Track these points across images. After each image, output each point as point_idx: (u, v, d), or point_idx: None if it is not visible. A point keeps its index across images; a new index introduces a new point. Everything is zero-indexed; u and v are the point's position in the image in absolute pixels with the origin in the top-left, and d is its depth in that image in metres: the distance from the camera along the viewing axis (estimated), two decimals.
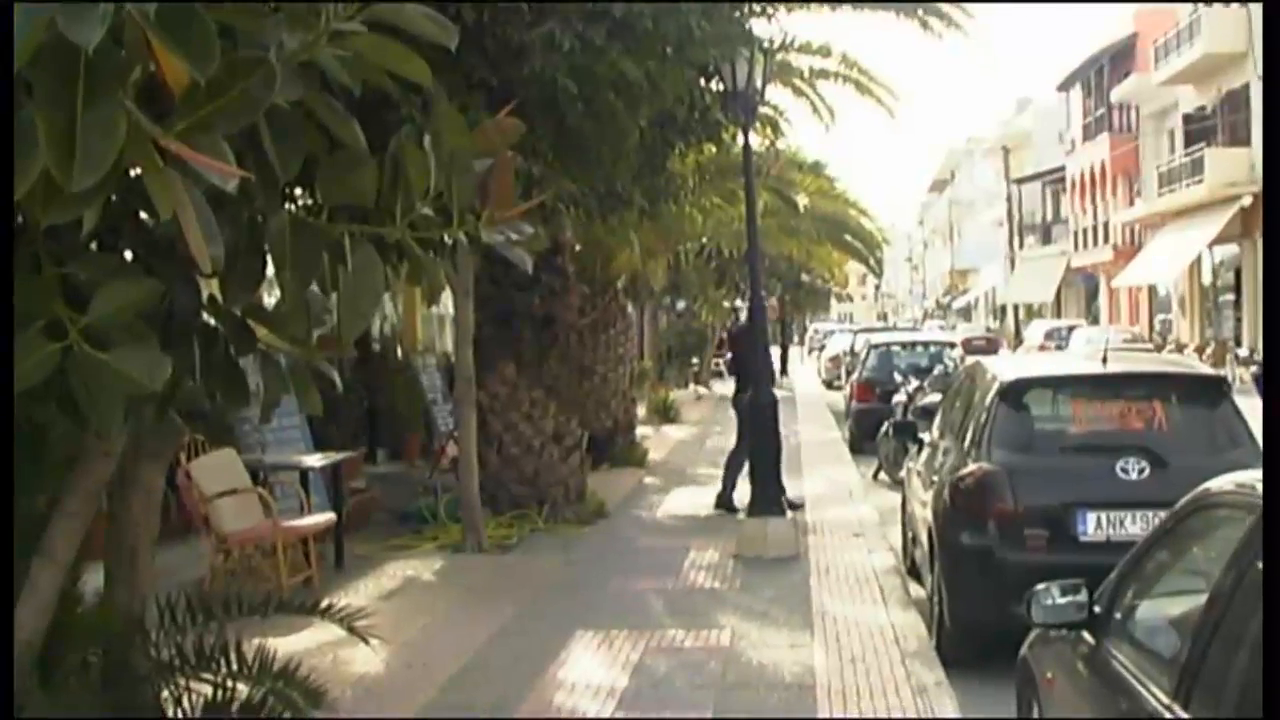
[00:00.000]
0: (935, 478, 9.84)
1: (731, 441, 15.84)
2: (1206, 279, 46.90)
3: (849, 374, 28.60)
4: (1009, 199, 74.65)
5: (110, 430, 3.94)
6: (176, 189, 2.92)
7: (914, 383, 20.79)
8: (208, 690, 5.89)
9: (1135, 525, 8.22)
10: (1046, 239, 69.19)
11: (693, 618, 9.88)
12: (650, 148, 11.76)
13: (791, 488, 14.60)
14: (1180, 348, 42.15)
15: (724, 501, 15.31)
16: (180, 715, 5.86)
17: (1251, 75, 38.64)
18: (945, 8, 13.45)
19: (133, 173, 3.12)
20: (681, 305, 38.43)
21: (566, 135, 9.26)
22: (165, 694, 5.85)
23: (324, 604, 6.76)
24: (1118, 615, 4.80)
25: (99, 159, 2.75)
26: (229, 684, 5.83)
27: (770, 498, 12.88)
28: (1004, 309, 76.66)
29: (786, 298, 46.35)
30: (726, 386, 40.45)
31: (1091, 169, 59.99)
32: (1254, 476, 3.84)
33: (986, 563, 8.61)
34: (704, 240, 22.82)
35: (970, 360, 13.27)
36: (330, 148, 3.51)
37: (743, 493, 14.33)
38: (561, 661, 8.84)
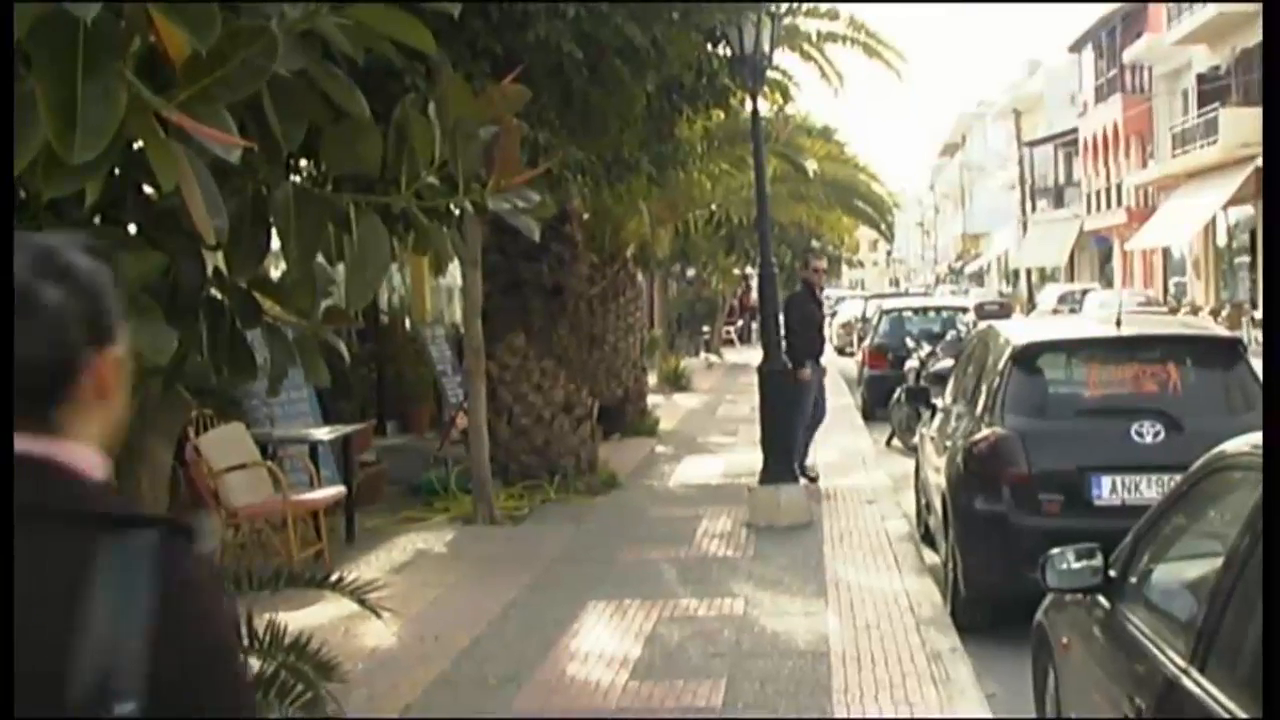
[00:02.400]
0: (948, 443, 9.81)
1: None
2: (1221, 241, 46.72)
3: (861, 340, 28.55)
4: (1020, 162, 74.36)
5: None
6: (179, 160, 2.89)
7: (926, 348, 20.75)
8: None
9: (1150, 489, 8.19)
10: (1059, 202, 68.96)
11: (706, 586, 9.88)
12: (657, 114, 11.70)
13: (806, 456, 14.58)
14: (1195, 310, 42.02)
15: (802, 470, 15.30)
16: None
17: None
18: None
19: (135, 145, 3.09)
20: (691, 273, 38.37)
21: (572, 102, 9.21)
22: None
23: (335, 577, 6.75)
24: (1133, 579, 4.77)
25: (100, 131, 2.72)
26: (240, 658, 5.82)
27: (784, 466, 12.86)
28: (1016, 273, 76.48)
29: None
30: (738, 354, 40.50)
31: (1104, 131, 59.73)
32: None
33: (1001, 528, 8.58)
34: (713, 207, 22.72)
35: (983, 325, 13.22)
36: (334, 117, 3.48)
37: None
38: (574, 632, 8.84)
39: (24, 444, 1.83)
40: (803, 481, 13.80)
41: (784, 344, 15.47)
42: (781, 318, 15.83)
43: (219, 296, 4.01)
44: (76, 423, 1.90)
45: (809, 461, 15.09)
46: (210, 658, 1.87)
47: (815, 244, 39.50)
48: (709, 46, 12.22)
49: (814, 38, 18.95)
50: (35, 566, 1.78)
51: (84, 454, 1.90)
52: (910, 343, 22.34)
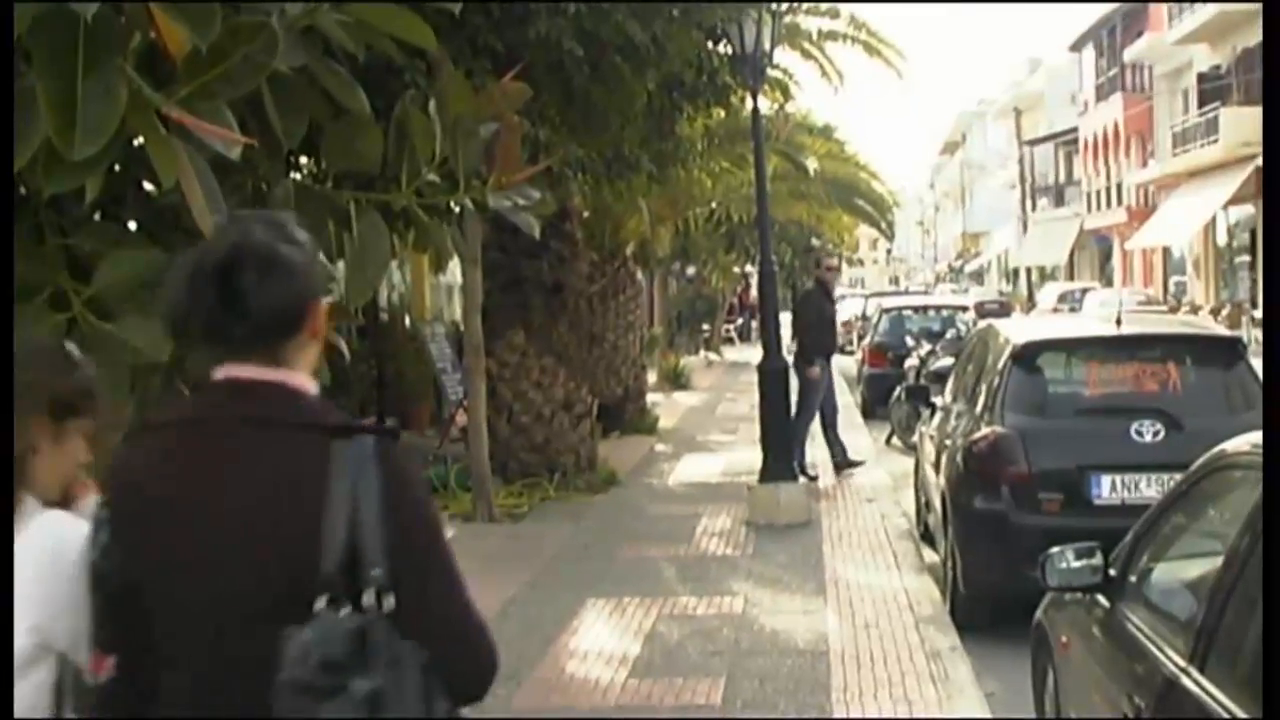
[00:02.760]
0: (948, 442, 9.80)
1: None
2: (1221, 240, 46.69)
3: (860, 338, 28.54)
4: (1021, 161, 74.33)
5: (116, 400, 3.93)
6: (179, 157, 2.89)
7: (926, 347, 20.73)
8: None
9: (1150, 488, 8.18)
10: (1059, 201, 68.93)
11: (705, 584, 9.87)
12: (658, 112, 11.69)
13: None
14: (1195, 310, 41.99)
15: (841, 461, 15.38)
16: None
17: None
18: None
19: (135, 141, 3.09)
20: (691, 271, 38.34)
21: (573, 99, 9.21)
22: None
23: None
24: (1133, 578, 4.77)
25: (100, 127, 2.72)
26: None
27: (783, 464, 12.86)
28: (1016, 272, 76.45)
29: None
30: (738, 352, 40.50)
31: (1105, 130, 59.70)
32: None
33: (1000, 527, 8.58)
34: (713, 205, 22.72)
35: (983, 323, 13.22)
36: (334, 114, 3.48)
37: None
38: (573, 630, 8.84)
39: (260, 373, 2.39)
40: (802, 479, 13.90)
41: (797, 340, 15.65)
42: (795, 315, 15.96)
43: None
44: (298, 356, 2.45)
45: (808, 460, 15.18)
46: (425, 532, 2.40)
47: (816, 242, 39.48)
48: (709, 44, 12.22)
49: (815, 36, 18.94)
50: (281, 465, 2.34)
51: (304, 379, 2.45)
52: (910, 341, 22.33)
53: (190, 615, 2.37)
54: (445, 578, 2.42)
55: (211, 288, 2.35)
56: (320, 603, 2.25)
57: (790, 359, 14.61)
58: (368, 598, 2.27)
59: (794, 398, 13.66)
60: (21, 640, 2.47)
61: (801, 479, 13.73)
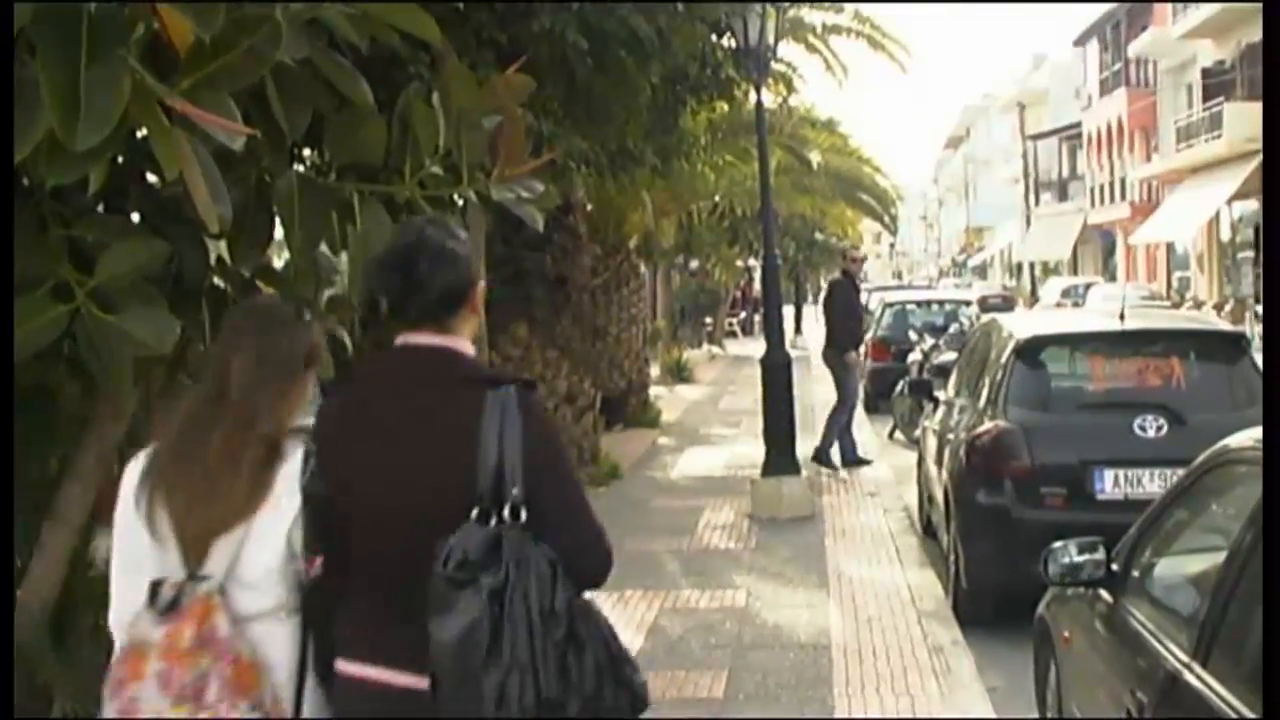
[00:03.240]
0: (951, 436, 9.80)
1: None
2: (1225, 235, 46.62)
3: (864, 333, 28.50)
4: (1025, 155, 74.25)
5: (120, 392, 3.92)
6: (183, 148, 2.89)
7: (929, 341, 20.71)
8: None
9: (1153, 483, 8.18)
10: (1063, 196, 68.86)
11: (708, 578, 9.87)
12: (662, 105, 11.68)
13: (805, 447, 14.55)
14: (1198, 305, 41.95)
15: (848, 458, 15.45)
16: None
17: None
18: None
19: (138, 132, 3.09)
20: (694, 264, 38.34)
21: (577, 92, 9.19)
22: None
23: None
24: (1136, 573, 4.76)
25: (103, 117, 2.72)
26: None
27: (785, 458, 12.85)
28: (1020, 267, 76.40)
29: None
30: (740, 346, 40.48)
31: (1108, 125, 59.63)
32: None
33: (1003, 521, 8.57)
34: (717, 199, 22.71)
35: (986, 318, 13.21)
36: (338, 106, 3.48)
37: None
38: None
39: (431, 339, 3.15)
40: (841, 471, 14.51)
41: (825, 331, 15.78)
42: (823, 306, 16.08)
43: (222, 285, 4.01)
44: (461, 327, 3.21)
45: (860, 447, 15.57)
46: (553, 459, 3.14)
47: (819, 236, 39.41)
48: (713, 38, 12.20)
49: (819, 30, 18.93)
50: (446, 409, 3.10)
51: (466, 345, 3.22)
52: (913, 335, 22.29)
53: (375, 524, 3.13)
54: (570, 494, 3.16)
55: (396, 276, 3.12)
56: (472, 515, 2.98)
57: (791, 350, 14.66)
58: (507, 511, 2.99)
59: (792, 391, 13.62)
60: (281, 544, 3.21)
61: (825, 471, 13.89)
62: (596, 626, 3.08)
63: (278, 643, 3.23)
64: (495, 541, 2.96)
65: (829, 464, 15.21)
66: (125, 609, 3.28)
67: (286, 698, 3.22)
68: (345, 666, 3.21)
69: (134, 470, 3.33)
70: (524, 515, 3.00)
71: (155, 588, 3.19)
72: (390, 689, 3.11)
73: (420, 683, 3.03)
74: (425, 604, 2.97)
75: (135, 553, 3.28)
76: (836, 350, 15.70)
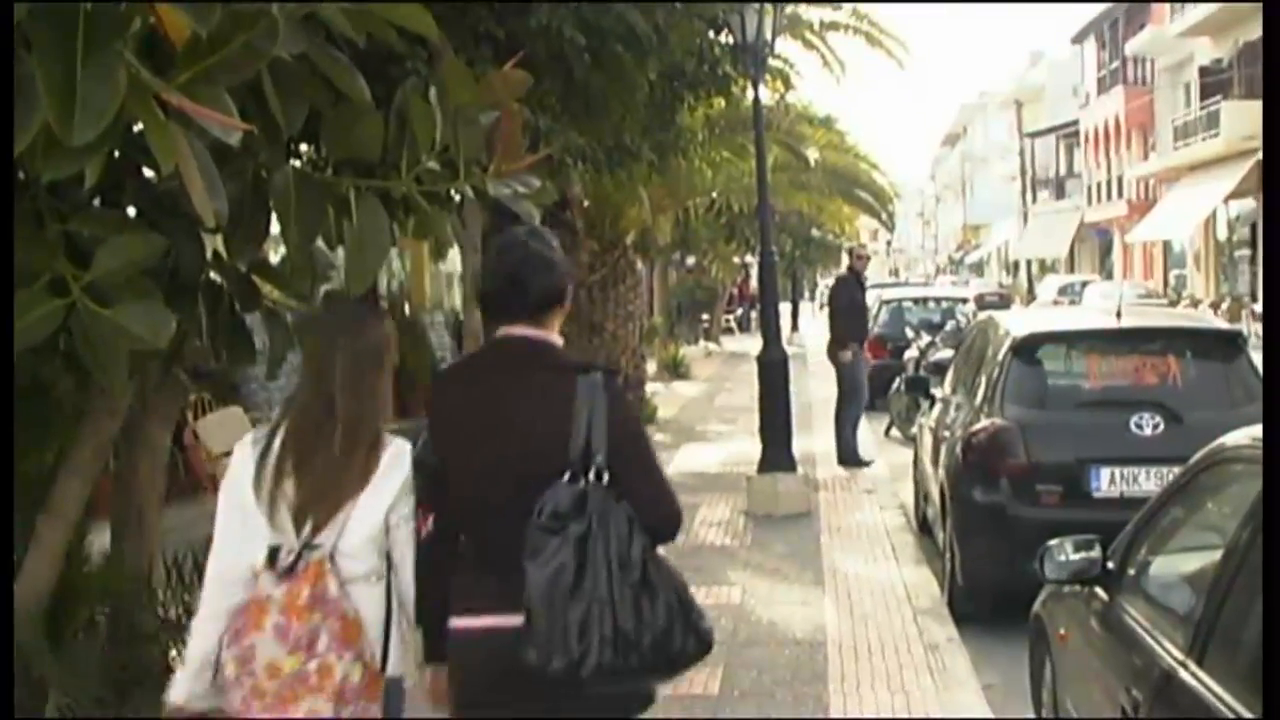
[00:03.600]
0: (947, 434, 9.80)
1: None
2: (1222, 234, 46.67)
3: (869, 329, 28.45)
4: (1022, 153, 74.28)
5: (115, 387, 3.91)
6: (179, 143, 2.88)
7: (926, 338, 20.71)
8: None
9: (1149, 481, 8.18)
10: (1060, 194, 68.90)
11: (703, 574, 9.87)
12: (659, 101, 11.66)
13: (801, 444, 14.55)
14: (1195, 303, 41.98)
15: (848, 458, 15.42)
16: None
17: None
18: None
19: (135, 127, 3.08)
20: (691, 261, 38.33)
21: (574, 88, 9.18)
22: (173, 652, 5.84)
23: None
24: (1132, 571, 4.77)
25: (99, 112, 2.71)
26: None
27: (782, 455, 12.85)
28: (1017, 264, 76.43)
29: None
30: (737, 343, 40.46)
31: (1106, 123, 59.66)
32: None
33: (999, 519, 8.58)
34: (714, 195, 22.67)
35: (983, 315, 13.21)
36: (334, 101, 3.47)
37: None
38: None
39: (528, 332, 3.82)
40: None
41: (830, 327, 15.86)
42: (828, 303, 16.16)
43: (218, 280, 4.00)
44: (553, 322, 3.87)
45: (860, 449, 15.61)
46: (633, 433, 3.85)
47: (816, 233, 39.37)
48: (711, 34, 12.18)
49: (816, 26, 18.91)
50: (542, 390, 3.74)
51: (557, 337, 3.87)
52: (910, 332, 22.30)
53: (481, 485, 3.77)
54: (646, 462, 3.81)
55: (503, 280, 3.82)
56: (565, 476, 3.63)
57: (788, 347, 14.67)
58: (593, 474, 3.64)
59: (789, 388, 13.61)
60: (379, 519, 3.82)
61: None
62: (669, 576, 3.69)
63: (372, 603, 3.83)
64: (582, 498, 3.60)
65: (859, 462, 15.26)
66: (225, 570, 3.83)
67: (376, 652, 3.80)
68: (460, 621, 3.83)
69: (245, 453, 3.95)
70: (606, 478, 3.65)
71: (274, 553, 3.78)
72: (494, 629, 3.73)
73: (519, 622, 3.61)
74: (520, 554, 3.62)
75: (242, 524, 3.83)
76: (839, 345, 15.76)
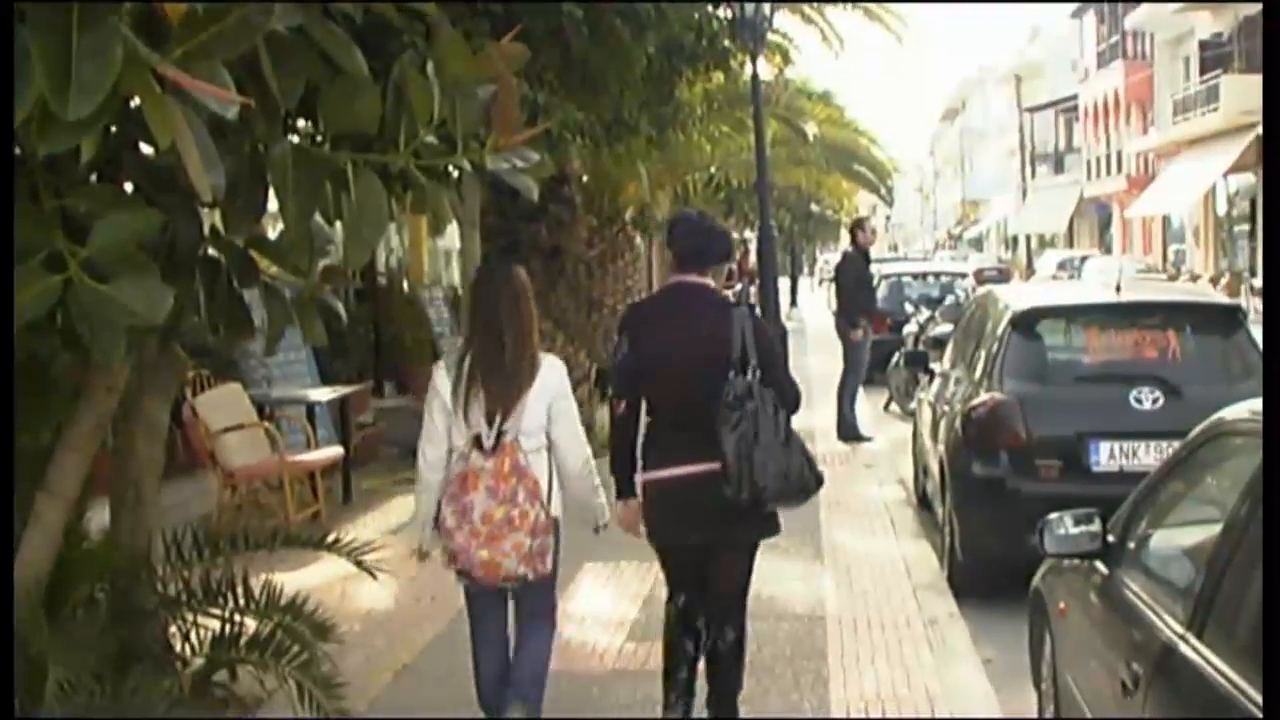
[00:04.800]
0: (947, 408, 9.80)
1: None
2: (1221, 209, 46.61)
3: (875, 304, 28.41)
4: (1021, 128, 74.18)
5: (112, 363, 3.91)
6: (175, 117, 2.86)
7: (925, 313, 20.70)
8: (215, 625, 5.89)
9: (1149, 455, 8.19)
10: (1059, 169, 68.83)
11: None
12: (657, 75, 11.63)
13: (801, 419, 14.51)
14: (1194, 278, 41.94)
15: (847, 433, 15.43)
16: (187, 650, 5.87)
17: None
18: None
19: (131, 101, 3.06)
20: None
21: (572, 62, 9.16)
22: (172, 629, 5.86)
23: (331, 538, 6.76)
24: (1131, 545, 4.77)
25: (95, 86, 2.70)
26: (236, 619, 5.83)
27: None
28: (1016, 239, 76.40)
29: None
30: None
31: (1105, 97, 59.55)
32: None
33: (998, 493, 8.59)
34: (712, 170, 22.65)
35: (982, 290, 13.19)
36: (332, 75, 3.45)
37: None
38: (571, 594, 8.84)
39: (695, 279, 5.93)
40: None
41: (838, 303, 15.88)
42: (835, 278, 16.15)
43: (216, 255, 3.99)
44: (714, 272, 6.04)
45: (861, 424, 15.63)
46: (770, 345, 5.89)
47: (814, 208, 39.31)
48: (710, 8, 12.16)
49: (815, 1, 18.85)
50: (708, 317, 5.81)
51: (712, 282, 5.98)
52: (909, 307, 22.28)
53: (670, 380, 5.77)
54: (780, 364, 5.94)
55: (688, 244, 5.98)
56: (732, 372, 5.63)
57: (787, 323, 14.66)
58: (749, 372, 5.65)
59: (788, 363, 13.62)
60: (543, 411, 5.59)
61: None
62: (798, 439, 5.82)
63: (542, 468, 5.62)
64: (749, 386, 5.67)
65: (859, 437, 15.27)
66: (433, 454, 5.66)
67: (547, 501, 5.60)
68: (653, 474, 5.90)
69: (441, 375, 5.70)
70: (758, 374, 5.71)
71: (478, 439, 5.54)
72: (689, 475, 5.76)
73: (709, 468, 5.65)
74: (700, 425, 5.62)
75: (444, 422, 5.63)
76: (848, 321, 15.76)
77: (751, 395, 5.59)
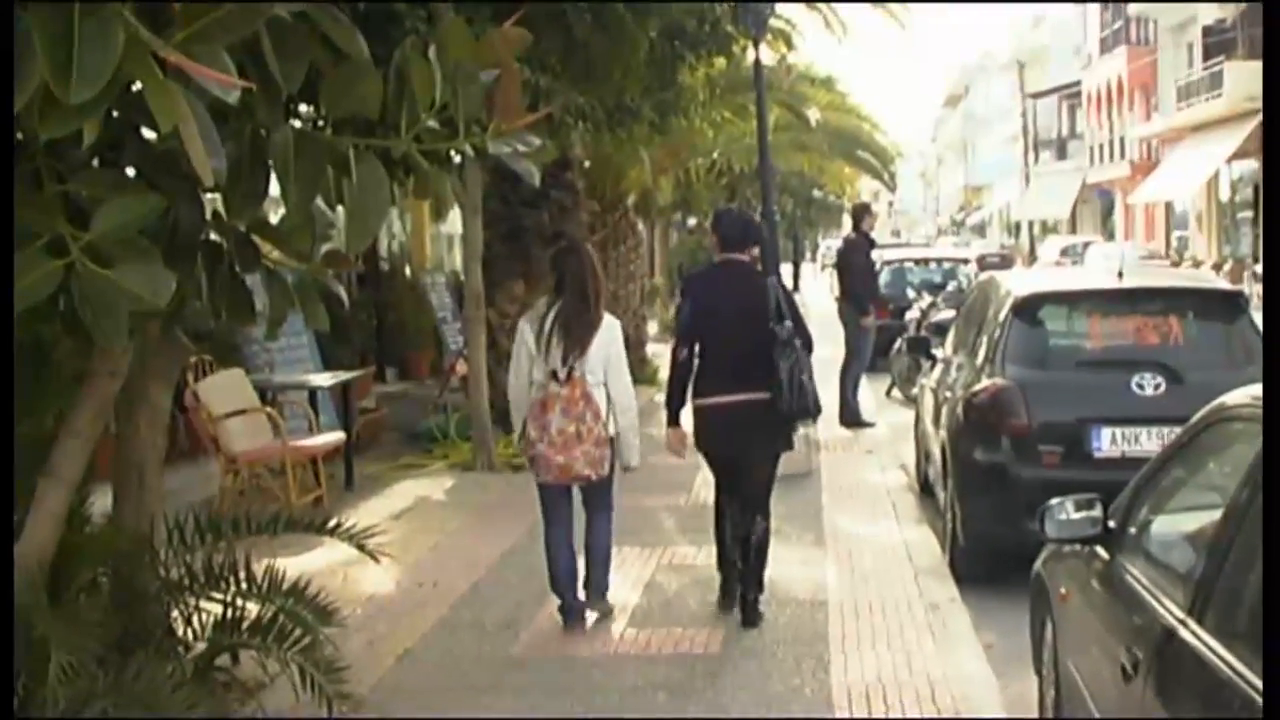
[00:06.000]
0: (949, 394, 9.80)
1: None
2: (1224, 195, 46.52)
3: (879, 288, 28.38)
4: (1024, 114, 74.05)
5: (114, 348, 3.92)
6: (177, 101, 2.86)
7: (927, 299, 20.69)
8: (217, 609, 5.90)
9: (1150, 441, 8.19)
10: (1062, 155, 68.71)
11: (704, 534, 9.83)
12: (660, 60, 11.62)
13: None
14: (1197, 264, 41.87)
15: (849, 418, 15.42)
16: (190, 634, 5.88)
17: None
18: None
19: (133, 86, 3.06)
20: (692, 222, 38.26)
21: (574, 47, 9.15)
22: (175, 613, 5.86)
23: (334, 523, 6.77)
24: (1132, 530, 4.77)
25: (97, 71, 2.69)
26: (238, 603, 5.84)
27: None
28: (1018, 225, 76.29)
29: (798, 212, 46.15)
30: None
31: (1108, 83, 59.43)
32: None
33: (1000, 479, 8.59)
34: (715, 155, 22.63)
35: (984, 276, 13.18)
36: (334, 60, 3.45)
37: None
38: None
39: (741, 257, 8.03)
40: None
41: (842, 289, 15.87)
42: (839, 264, 16.16)
43: (218, 240, 3.99)
44: (750, 252, 8.28)
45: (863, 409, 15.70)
46: (794, 304, 7.89)
47: (817, 194, 39.24)
48: None
49: None
50: (749, 285, 7.86)
51: (748, 258, 8.18)
52: (911, 293, 22.27)
53: (721, 331, 7.68)
54: (802, 319, 7.78)
55: (735, 231, 8.05)
56: (773, 324, 7.53)
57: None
58: (786, 323, 7.56)
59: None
60: (604, 353, 7.45)
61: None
62: (814, 375, 7.71)
63: (601, 397, 7.47)
64: (791, 332, 7.54)
65: (861, 423, 15.26)
66: (521, 385, 7.54)
67: (606, 421, 7.50)
68: (704, 400, 7.80)
69: (526, 325, 7.58)
70: (791, 328, 7.55)
71: (554, 373, 7.38)
72: (738, 401, 7.62)
73: (747, 397, 7.56)
74: (740, 364, 7.55)
75: (528, 361, 7.48)
76: (854, 308, 15.76)
77: (793, 340, 7.51)
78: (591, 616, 7.80)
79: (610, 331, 7.50)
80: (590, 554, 7.87)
